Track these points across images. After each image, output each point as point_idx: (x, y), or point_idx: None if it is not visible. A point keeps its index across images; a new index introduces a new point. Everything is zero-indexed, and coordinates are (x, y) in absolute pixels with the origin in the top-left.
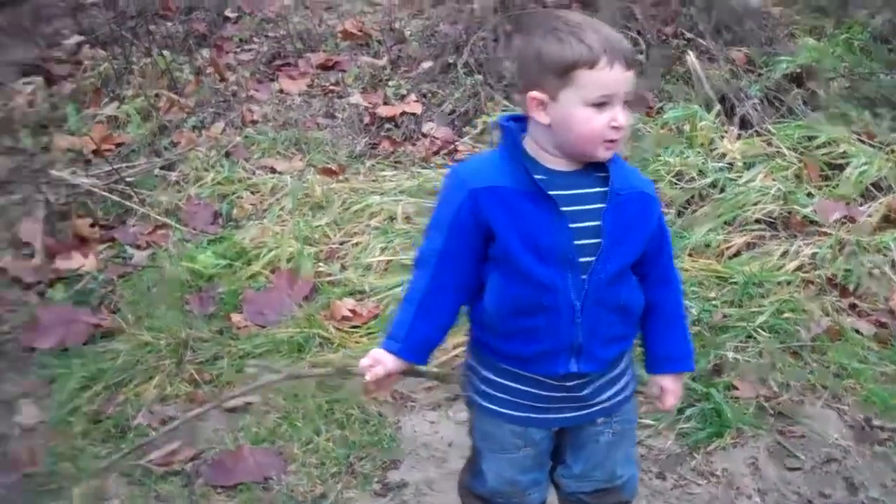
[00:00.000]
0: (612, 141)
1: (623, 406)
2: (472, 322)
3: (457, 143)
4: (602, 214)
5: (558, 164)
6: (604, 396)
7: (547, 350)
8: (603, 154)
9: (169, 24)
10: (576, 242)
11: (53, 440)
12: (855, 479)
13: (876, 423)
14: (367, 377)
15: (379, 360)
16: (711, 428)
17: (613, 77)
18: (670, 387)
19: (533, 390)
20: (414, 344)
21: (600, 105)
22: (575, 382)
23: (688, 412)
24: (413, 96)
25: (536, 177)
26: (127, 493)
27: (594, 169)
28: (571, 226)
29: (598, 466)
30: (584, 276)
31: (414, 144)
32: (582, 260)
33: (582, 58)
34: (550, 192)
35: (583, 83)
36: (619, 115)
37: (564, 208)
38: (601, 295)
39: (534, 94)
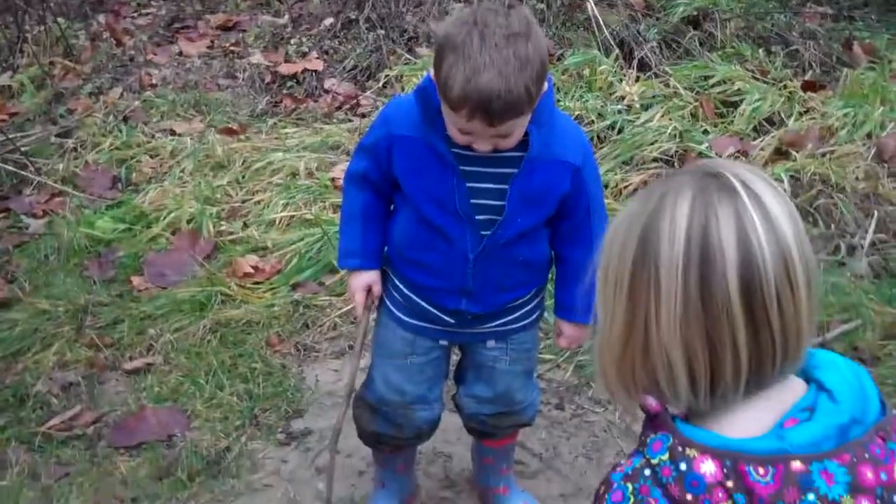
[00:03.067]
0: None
1: (519, 333)
2: (388, 234)
3: (359, 97)
4: (511, 180)
5: None
6: (495, 323)
7: (439, 287)
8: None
9: None
10: (474, 201)
11: None
12: None
13: None
14: (360, 306)
15: (357, 289)
16: None
17: (471, 126)
18: (567, 331)
19: (427, 306)
20: (369, 252)
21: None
22: (465, 317)
23: (586, 345)
24: (315, 54)
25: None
26: (28, 460)
27: None
28: (470, 185)
29: (497, 392)
30: (484, 233)
31: (316, 101)
32: (481, 218)
33: (447, 98)
34: (457, 150)
35: (447, 111)
36: (479, 145)
37: (467, 168)
38: (498, 253)
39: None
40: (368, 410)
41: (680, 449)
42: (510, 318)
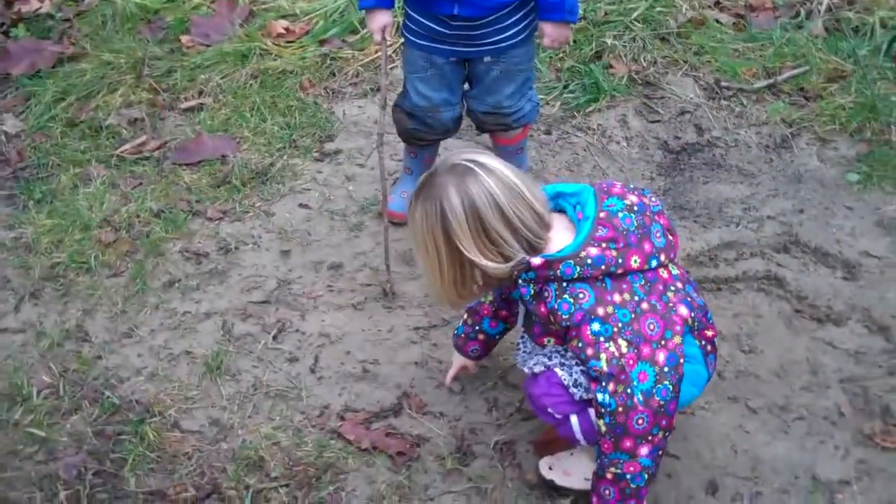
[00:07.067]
0: None
1: (510, 51)
2: None
3: None
4: None
5: None
6: (490, 39)
7: None
8: None
9: None
10: None
11: (37, 141)
12: (703, 124)
13: (724, 84)
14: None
15: (374, 30)
16: (590, 96)
17: None
18: (548, 31)
19: (434, 26)
20: None
21: None
22: (462, 23)
23: (570, 86)
24: None
25: None
26: (107, 175)
27: None
28: None
29: (488, 94)
30: None
31: None
32: None
33: None
34: None
35: None
36: None
37: None
38: None
39: None
40: (405, 115)
41: (566, 262)
42: (501, 36)
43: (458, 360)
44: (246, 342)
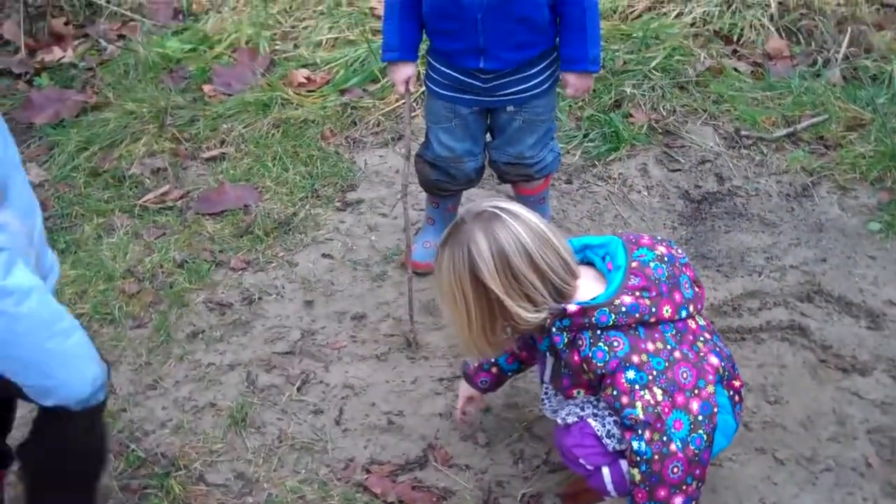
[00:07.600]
0: None
1: (533, 101)
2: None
3: None
4: None
5: None
6: (513, 89)
7: (460, 49)
8: None
9: None
10: None
11: (61, 191)
12: (723, 173)
13: (744, 132)
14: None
15: (398, 82)
16: (610, 145)
17: None
18: (571, 81)
19: (459, 76)
20: (406, 44)
21: None
22: (486, 76)
23: (591, 135)
24: None
25: None
26: (130, 224)
27: None
28: None
29: (510, 144)
30: None
31: None
32: None
33: None
34: None
35: None
36: None
37: None
38: (500, 10)
39: None
40: (428, 165)
41: (601, 309)
42: (524, 86)
43: (465, 390)
44: (270, 394)
